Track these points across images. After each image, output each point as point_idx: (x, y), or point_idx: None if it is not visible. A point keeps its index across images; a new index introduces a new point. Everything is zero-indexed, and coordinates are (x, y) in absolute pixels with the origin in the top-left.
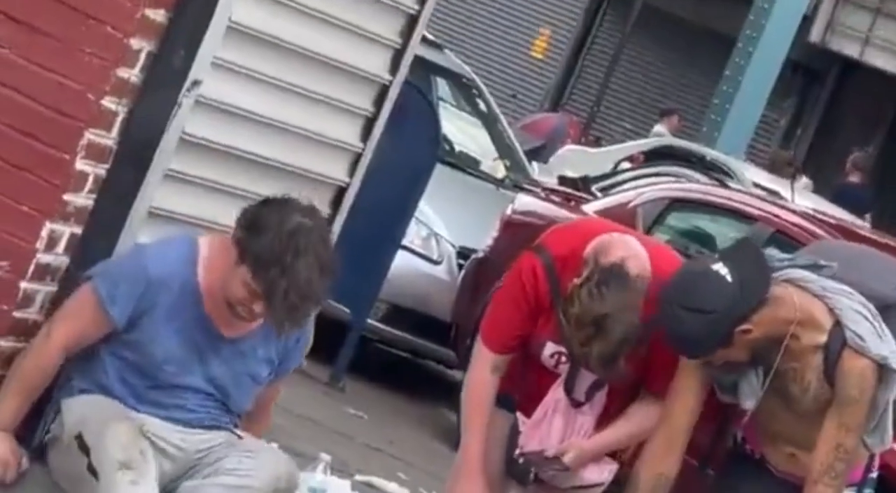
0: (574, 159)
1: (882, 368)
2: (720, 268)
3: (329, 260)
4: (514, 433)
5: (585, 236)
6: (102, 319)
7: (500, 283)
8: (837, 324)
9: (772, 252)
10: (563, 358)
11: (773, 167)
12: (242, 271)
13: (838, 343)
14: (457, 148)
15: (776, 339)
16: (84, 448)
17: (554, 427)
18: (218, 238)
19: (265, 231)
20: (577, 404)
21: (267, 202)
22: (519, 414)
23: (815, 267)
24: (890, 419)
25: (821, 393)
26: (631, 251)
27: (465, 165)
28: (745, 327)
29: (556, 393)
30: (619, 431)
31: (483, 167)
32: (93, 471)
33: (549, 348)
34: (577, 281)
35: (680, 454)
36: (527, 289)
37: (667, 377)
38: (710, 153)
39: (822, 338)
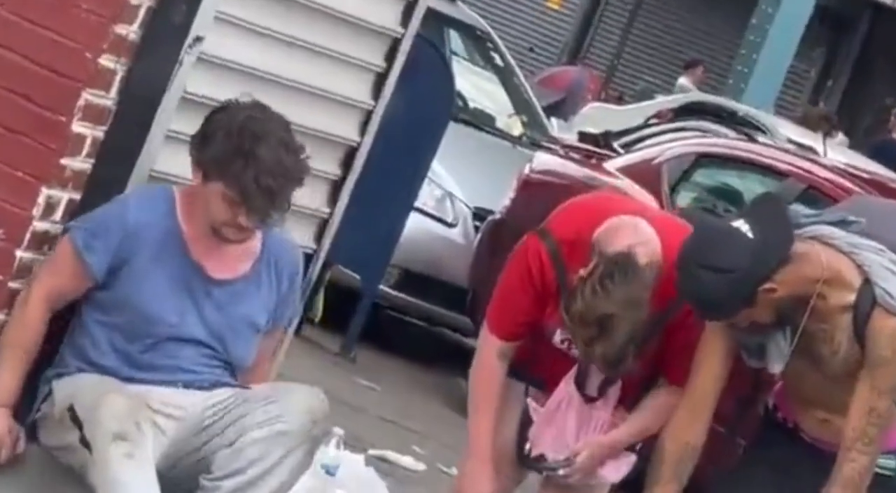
0: (599, 118)
1: None
2: (741, 225)
3: (291, 139)
4: (525, 420)
5: (593, 218)
6: (80, 269)
7: (505, 267)
8: (867, 282)
9: (798, 208)
10: (574, 345)
11: (807, 123)
12: (213, 187)
13: (868, 302)
14: (471, 104)
15: (802, 298)
16: (76, 421)
17: (568, 425)
18: (190, 185)
19: (215, 135)
20: (589, 400)
21: (212, 111)
22: (530, 401)
23: (843, 223)
24: None
25: (851, 355)
26: (640, 237)
27: (481, 122)
28: (769, 285)
29: (568, 387)
30: (636, 425)
31: (499, 124)
32: (85, 444)
33: (560, 334)
34: (582, 273)
35: (706, 422)
36: (532, 274)
37: (684, 365)
38: (742, 108)
39: (851, 297)
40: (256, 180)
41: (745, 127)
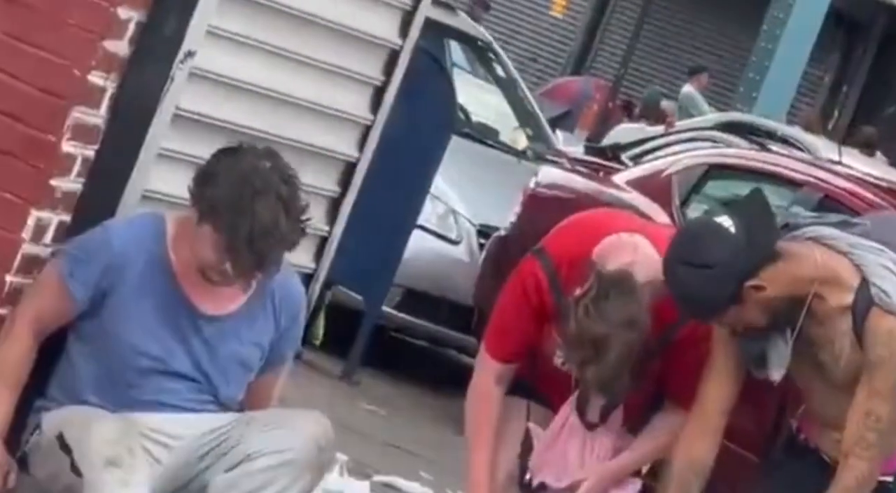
0: (628, 138)
1: None
2: (724, 220)
3: (294, 199)
4: (528, 446)
5: (592, 236)
6: (64, 296)
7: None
8: (864, 282)
9: (798, 210)
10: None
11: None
12: (204, 229)
13: (865, 302)
14: (474, 118)
15: (798, 299)
16: (66, 448)
17: (570, 453)
18: (185, 213)
19: (217, 179)
20: (591, 426)
21: (218, 152)
22: (532, 426)
23: (844, 224)
24: None
25: (853, 360)
26: (639, 255)
27: (484, 135)
28: (755, 282)
29: (569, 414)
30: (641, 450)
31: (503, 138)
32: (76, 470)
33: (559, 355)
34: (578, 293)
35: (715, 438)
36: (529, 295)
37: (689, 386)
38: (782, 128)
39: (849, 297)
40: (249, 241)
41: (788, 146)
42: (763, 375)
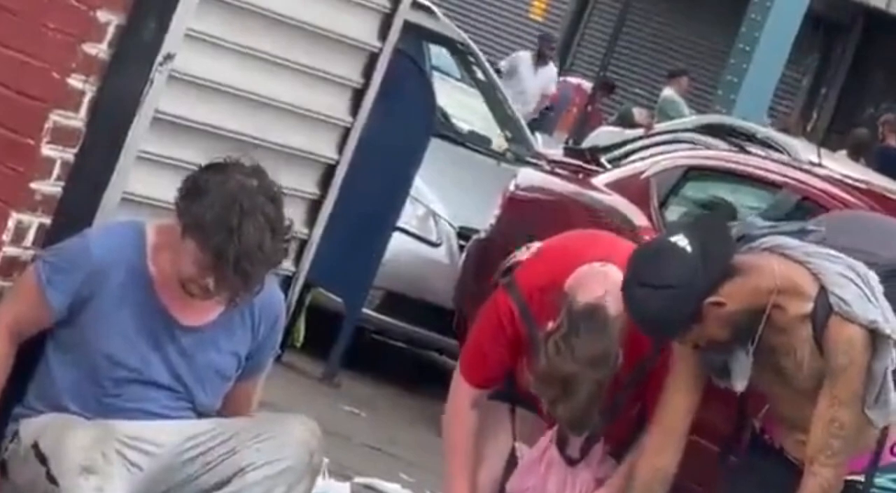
0: (609, 141)
1: (872, 333)
2: (679, 240)
3: (279, 219)
4: (512, 461)
5: (562, 266)
6: (42, 303)
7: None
8: (823, 290)
9: (754, 220)
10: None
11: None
12: (188, 244)
13: (824, 310)
14: (453, 120)
15: (759, 311)
16: (41, 457)
17: (550, 488)
18: (167, 222)
19: (205, 196)
20: (572, 462)
21: (206, 167)
22: (518, 445)
23: (801, 233)
24: (892, 389)
25: (815, 367)
26: (611, 285)
27: (463, 138)
28: (714, 299)
29: (549, 445)
30: (621, 481)
31: (482, 140)
32: (52, 479)
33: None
34: (549, 328)
35: (678, 447)
36: (503, 327)
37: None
38: (762, 130)
39: (808, 306)
40: (235, 262)
41: (768, 149)
42: (726, 384)
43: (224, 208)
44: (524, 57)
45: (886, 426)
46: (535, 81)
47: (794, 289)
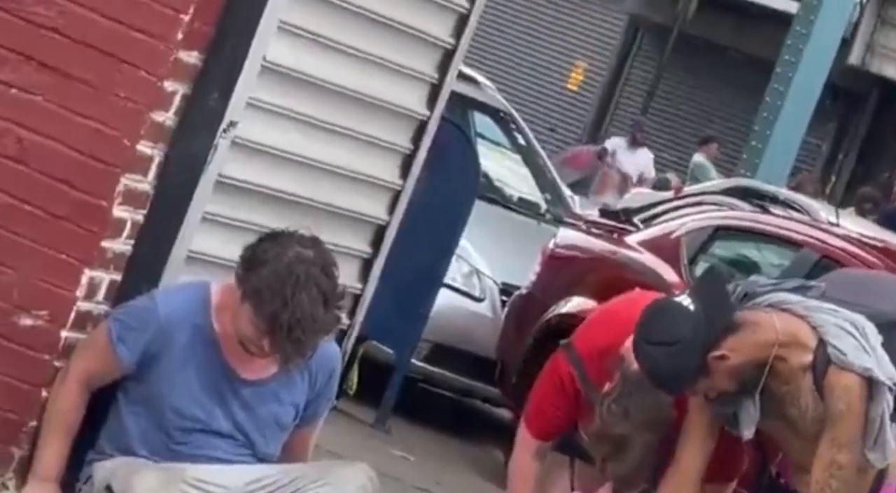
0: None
1: (869, 381)
2: (683, 299)
3: (333, 290)
4: None
5: (619, 329)
6: (112, 358)
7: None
8: (822, 342)
9: (757, 278)
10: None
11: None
12: (246, 309)
13: (823, 360)
14: (496, 183)
15: (763, 363)
16: None
17: None
18: (230, 283)
19: (263, 265)
20: None
21: (265, 237)
22: None
23: (801, 289)
24: (890, 432)
25: (818, 413)
26: None
27: (506, 200)
28: (717, 353)
29: None
30: None
31: (523, 202)
32: None
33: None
34: (605, 389)
35: (694, 492)
36: (563, 386)
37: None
38: (783, 193)
39: (809, 357)
40: (289, 330)
41: (790, 209)
42: (736, 433)
43: (280, 279)
44: (618, 143)
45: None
46: (632, 166)
47: (795, 341)
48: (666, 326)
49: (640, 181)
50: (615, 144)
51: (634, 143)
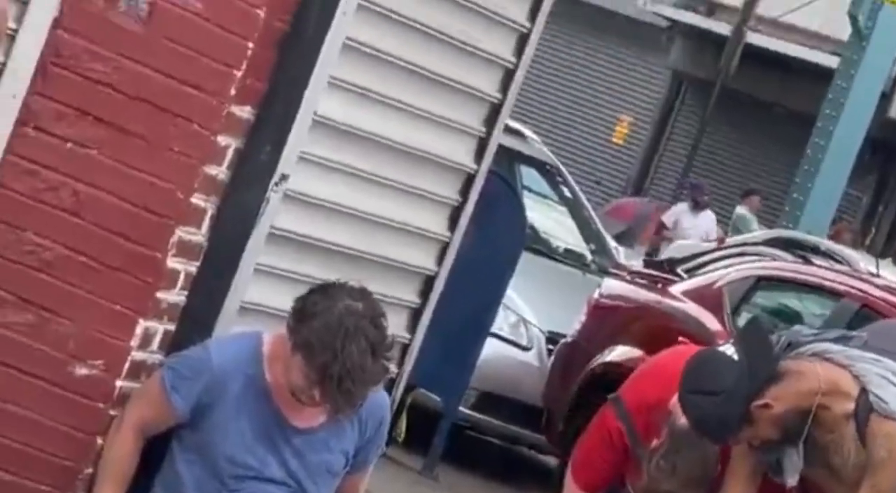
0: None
1: None
2: (726, 349)
3: (381, 342)
4: None
5: (666, 384)
6: (166, 407)
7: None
8: (864, 390)
9: (799, 328)
10: None
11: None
12: (297, 360)
13: (865, 409)
14: (543, 234)
15: (806, 412)
16: None
17: None
18: (282, 333)
19: (314, 318)
20: None
21: (316, 289)
22: None
23: (843, 339)
24: None
25: (861, 461)
26: None
27: (552, 251)
28: (761, 402)
29: None
30: None
31: (569, 253)
32: None
33: None
34: (653, 445)
35: None
36: (611, 440)
37: None
38: (825, 243)
39: (851, 406)
40: (339, 381)
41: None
42: (780, 480)
43: (330, 331)
44: (682, 208)
45: None
46: (696, 230)
47: (838, 390)
48: (711, 376)
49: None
50: (678, 210)
51: (697, 206)
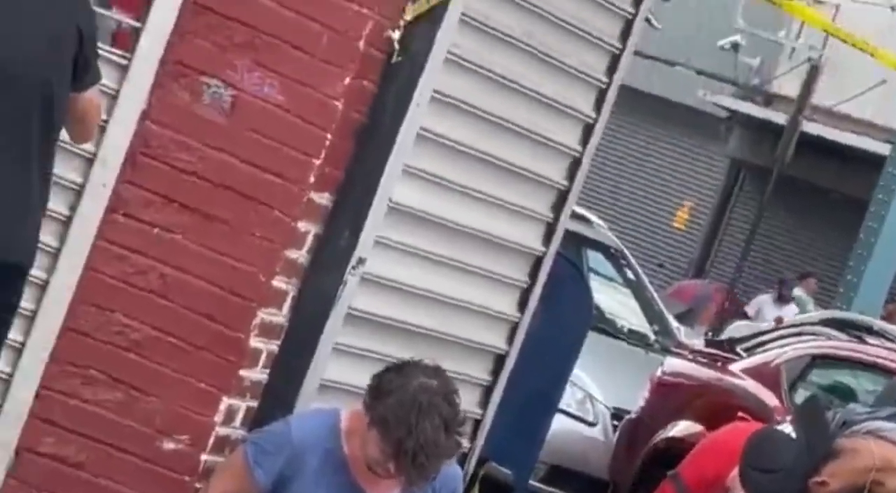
0: (743, 333)
1: None
2: (785, 427)
3: (454, 417)
4: None
5: (725, 460)
6: (248, 480)
7: None
8: None
9: (855, 406)
10: None
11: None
12: (373, 434)
13: None
14: (608, 315)
15: (860, 488)
16: None
17: None
18: (359, 409)
19: (389, 395)
20: None
21: (391, 367)
22: None
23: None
24: None
25: None
26: None
27: (617, 331)
28: (818, 479)
29: None
30: None
31: (633, 333)
32: None
33: None
34: None
35: None
36: None
37: None
38: (878, 323)
39: None
40: (413, 456)
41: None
42: None
43: (404, 408)
44: (766, 300)
45: None
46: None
47: (891, 467)
48: (770, 453)
49: None
50: (761, 301)
51: (781, 299)
